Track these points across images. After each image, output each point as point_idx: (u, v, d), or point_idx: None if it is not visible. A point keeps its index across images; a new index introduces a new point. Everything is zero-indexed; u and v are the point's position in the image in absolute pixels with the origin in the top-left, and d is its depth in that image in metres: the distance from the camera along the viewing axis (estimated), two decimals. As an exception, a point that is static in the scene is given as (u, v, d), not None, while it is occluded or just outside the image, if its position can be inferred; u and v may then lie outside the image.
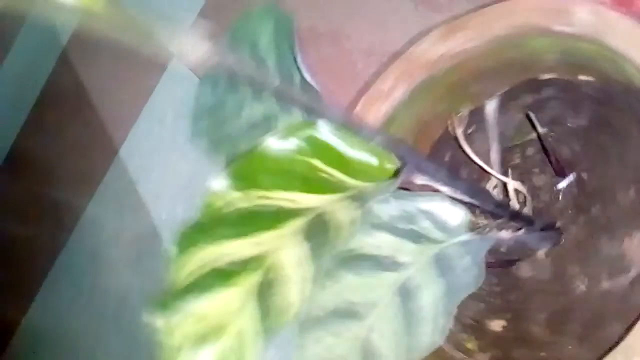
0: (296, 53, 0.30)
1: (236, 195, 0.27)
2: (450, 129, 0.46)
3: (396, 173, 0.30)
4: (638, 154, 0.41)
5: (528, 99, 0.46)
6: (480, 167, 0.44)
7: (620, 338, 0.34)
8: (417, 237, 0.33)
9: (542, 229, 0.43)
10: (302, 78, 0.29)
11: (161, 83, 0.98)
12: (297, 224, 0.27)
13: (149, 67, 0.98)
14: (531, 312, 0.44)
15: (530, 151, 0.46)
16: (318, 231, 0.27)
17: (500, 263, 0.46)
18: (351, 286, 0.32)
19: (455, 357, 0.43)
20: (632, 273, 0.40)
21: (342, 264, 0.32)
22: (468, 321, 0.45)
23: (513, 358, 0.43)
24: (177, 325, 0.24)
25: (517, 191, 0.44)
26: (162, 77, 0.97)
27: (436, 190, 0.35)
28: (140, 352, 0.84)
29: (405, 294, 0.31)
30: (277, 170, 0.29)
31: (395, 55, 0.44)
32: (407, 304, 0.31)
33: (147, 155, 0.97)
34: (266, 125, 0.36)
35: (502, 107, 0.45)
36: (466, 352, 0.43)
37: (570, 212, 0.44)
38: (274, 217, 0.27)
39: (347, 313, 0.31)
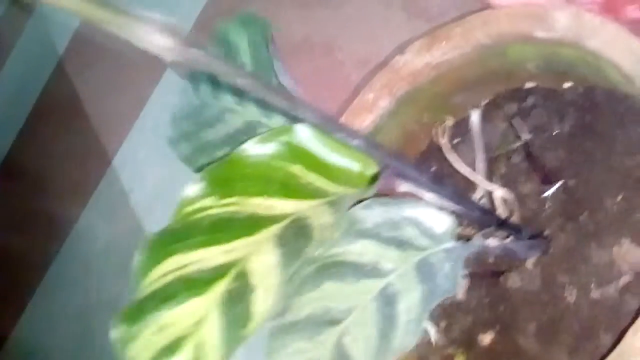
0: (273, 57, 0.30)
1: (209, 201, 0.26)
2: (435, 139, 0.46)
3: (376, 178, 0.30)
4: (624, 159, 0.41)
5: (512, 107, 0.46)
6: (466, 177, 0.44)
7: (611, 349, 0.33)
8: (400, 244, 0.33)
9: (529, 238, 0.42)
10: (279, 82, 0.29)
11: (155, 93, 0.97)
12: (271, 230, 0.27)
13: (143, 78, 0.98)
14: (520, 323, 0.43)
15: (516, 159, 0.46)
16: (293, 237, 0.27)
17: (488, 274, 0.46)
18: (330, 293, 0.31)
19: (443, 371, 0.42)
20: (621, 281, 0.40)
21: (323, 270, 0.32)
22: (456, 334, 0.45)
23: (502, 371, 0.42)
24: (136, 337, 0.23)
25: (504, 200, 0.44)
26: (156, 87, 0.97)
27: (420, 198, 0.35)
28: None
29: (384, 299, 0.31)
30: (254, 175, 0.29)
31: (380, 65, 0.43)
32: (384, 309, 0.31)
33: (141, 165, 0.97)
34: (248, 131, 0.36)
35: (487, 117, 0.45)
36: (454, 366, 0.43)
37: (557, 219, 0.43)
38: (248, 224, 0.27)
39: (322, 318, 0.31)
